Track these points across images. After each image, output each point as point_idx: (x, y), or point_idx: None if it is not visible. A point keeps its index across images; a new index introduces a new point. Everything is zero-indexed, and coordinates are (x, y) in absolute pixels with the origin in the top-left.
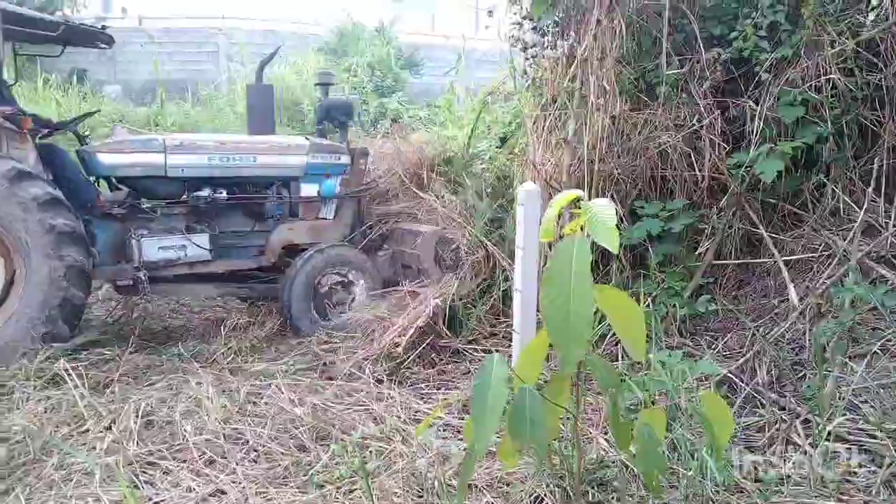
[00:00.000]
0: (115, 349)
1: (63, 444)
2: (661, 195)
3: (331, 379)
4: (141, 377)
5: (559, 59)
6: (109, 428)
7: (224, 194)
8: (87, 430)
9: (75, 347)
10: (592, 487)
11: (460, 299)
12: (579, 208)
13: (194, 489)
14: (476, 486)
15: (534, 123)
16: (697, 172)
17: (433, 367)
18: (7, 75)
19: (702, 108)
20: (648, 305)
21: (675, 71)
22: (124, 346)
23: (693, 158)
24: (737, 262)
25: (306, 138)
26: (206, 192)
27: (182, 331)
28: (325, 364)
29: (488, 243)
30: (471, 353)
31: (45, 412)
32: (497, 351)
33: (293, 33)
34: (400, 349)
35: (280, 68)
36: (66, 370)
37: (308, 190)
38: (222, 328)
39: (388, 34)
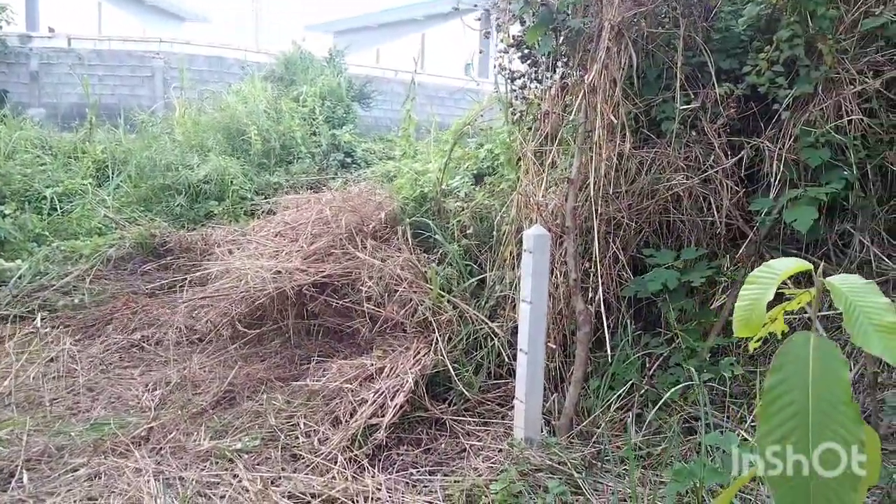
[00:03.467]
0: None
1: None
2: (669, 242)
3: (295, 458)
4: (56, 461)
5: (551, 90)
6: None
7: None
8: None
9: None
10: None
11: (434, 367)
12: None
13: None
14: None
15: (531, 159)
16: (716, 217)
17: (419, 446)
18: None
19: (717, 148)
20: (664, 369)
21: (689, 106)
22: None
23: (710, 202)
24: None
25: None
26: None
27: None
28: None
29: (459, 301)
30: (462, 426)
31: None
32: (493, 423)
33: (238, 60)
34: (381, 434)
35: (226, 97)
36: None
37: None
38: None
39: (338, 64)
